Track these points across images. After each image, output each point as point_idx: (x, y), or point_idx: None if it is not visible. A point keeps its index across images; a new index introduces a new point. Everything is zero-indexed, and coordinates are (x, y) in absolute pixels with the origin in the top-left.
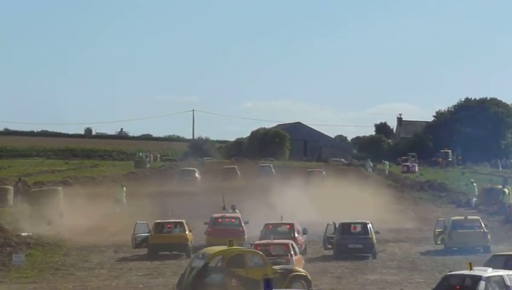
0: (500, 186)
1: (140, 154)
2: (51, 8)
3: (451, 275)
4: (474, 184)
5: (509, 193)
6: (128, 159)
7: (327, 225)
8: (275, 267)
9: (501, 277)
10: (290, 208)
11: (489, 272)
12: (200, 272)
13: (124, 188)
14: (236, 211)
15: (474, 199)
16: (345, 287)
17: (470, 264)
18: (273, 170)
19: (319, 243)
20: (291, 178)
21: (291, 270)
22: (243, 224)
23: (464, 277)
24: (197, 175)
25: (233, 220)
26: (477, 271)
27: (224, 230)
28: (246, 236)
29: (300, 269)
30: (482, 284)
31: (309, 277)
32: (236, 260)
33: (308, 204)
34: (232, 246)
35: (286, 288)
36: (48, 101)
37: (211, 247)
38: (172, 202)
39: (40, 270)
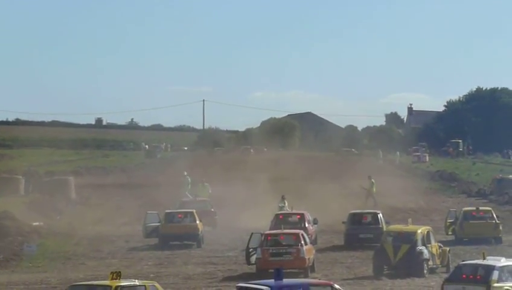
0: None
1: (134, 144)
2: None
3: (464, 264)
4: (372, 180)
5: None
6: (139, 149)
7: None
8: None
9: None
10: None
11: (503, 261)
12: (411, 249)
13: (206, 184)
14: (285, 201)
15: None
16: (356, 277)
17: (483, 253)
18: None
19: (329, 233)
20: None
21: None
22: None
23: (477, 266)
24: (252, 151)
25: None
26: (490, 261)
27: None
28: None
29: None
30: (495, 273)
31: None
32: (428, 236)
33: None
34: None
35: (443, 261)
36: (59, 91)
37: (398, 226)
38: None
39: (51, 259)
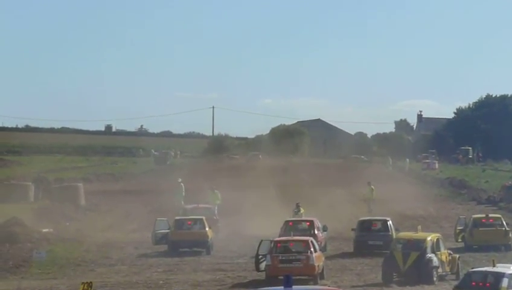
0: None
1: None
2: (70, 3)
3: (474, 271)
4: (372, 187)
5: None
6: (148, 156)
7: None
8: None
9: None
10: None
11: None
12: (421, 257)
13: (216, 191)
14: (300, 208)
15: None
16: (365, 284)
17: (493, 261)
18: None
19: (338, 240)
20: None
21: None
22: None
23: (486, 273)
24: (260, 157)
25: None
26: (500, 268)
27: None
28: (219, 225)
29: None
30: (505, 281)
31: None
32: (437, 243)
33: None
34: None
35: (452, 268)
36: (68, 98)
37: (407, 233)
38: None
39: (61, 266)
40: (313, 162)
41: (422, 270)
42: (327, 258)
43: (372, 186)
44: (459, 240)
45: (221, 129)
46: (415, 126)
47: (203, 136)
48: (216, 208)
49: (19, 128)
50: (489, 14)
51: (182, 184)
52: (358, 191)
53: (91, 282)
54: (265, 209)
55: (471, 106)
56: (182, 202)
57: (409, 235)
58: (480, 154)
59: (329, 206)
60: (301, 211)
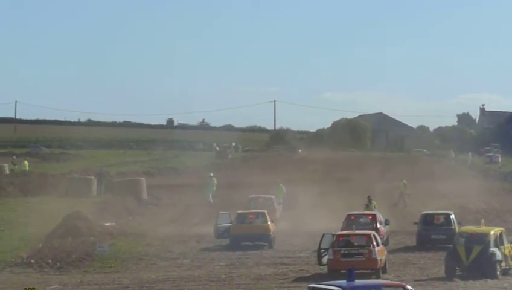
0: None
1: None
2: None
3: None
4: (404, 181)
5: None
6: (209, 150)
7: None
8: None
9: None
10: None
11: None
12: (484, 251)
13: (281, 185)
14: (372, 201)
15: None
16: (428, 278)
17: None
18: None
19: (401, 234)
20: None
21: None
22: (275, 204)
23: None
24: (299, 151)
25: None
26: None
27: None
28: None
29: None
30: None
31: None
32: (500, 237)
33: None
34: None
35: None
36: (131, 92)
37: (470, 227)
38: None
39: (123, 260)
40: (376, 156)
41: (485, 264)
42: (389, 252)
43: (405, 181)
44: None
45: (282, 123)
46: (477, 120)
47: (264, 130)
48: (281, 201)
49: (81, 122)
50: None
51: (213, 178)
52: (421, 186)
53: (34, 288)
54: (326, 203)
55: None
56: (210, 197)
57: (472, 229)
58: None
59: (392, 200)
60: (373, 204)
